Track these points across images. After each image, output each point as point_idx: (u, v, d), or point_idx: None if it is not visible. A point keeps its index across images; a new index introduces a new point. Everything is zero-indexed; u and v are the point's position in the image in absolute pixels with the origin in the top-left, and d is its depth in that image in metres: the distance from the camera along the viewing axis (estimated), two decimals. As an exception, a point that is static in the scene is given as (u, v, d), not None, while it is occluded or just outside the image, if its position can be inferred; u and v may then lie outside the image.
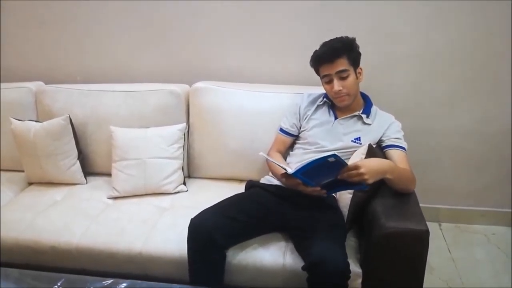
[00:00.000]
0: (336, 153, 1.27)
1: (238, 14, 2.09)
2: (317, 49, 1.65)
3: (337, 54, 1.58)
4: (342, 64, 1.59)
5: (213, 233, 1.43)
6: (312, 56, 1.65)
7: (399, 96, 2.11)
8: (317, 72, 1.67)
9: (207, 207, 1.55)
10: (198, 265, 1.47)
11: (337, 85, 1.60)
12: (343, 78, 1.60)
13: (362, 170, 1.32)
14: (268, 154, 1.83)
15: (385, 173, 1.41)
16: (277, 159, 1.74)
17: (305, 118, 1.78)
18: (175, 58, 2.22)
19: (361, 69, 1.66)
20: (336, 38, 1.63)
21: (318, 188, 1.44)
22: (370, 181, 1.34)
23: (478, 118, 2.14)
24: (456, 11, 1.96)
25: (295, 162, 1.69)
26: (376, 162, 1.42)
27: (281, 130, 1.84)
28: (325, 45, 1.64)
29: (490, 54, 2.02)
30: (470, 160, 2.22)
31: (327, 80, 1.64)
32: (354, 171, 1.33)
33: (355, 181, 1.34)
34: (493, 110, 2.11)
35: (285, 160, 1.81)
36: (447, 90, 2.11)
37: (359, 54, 1.64)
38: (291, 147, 1.84)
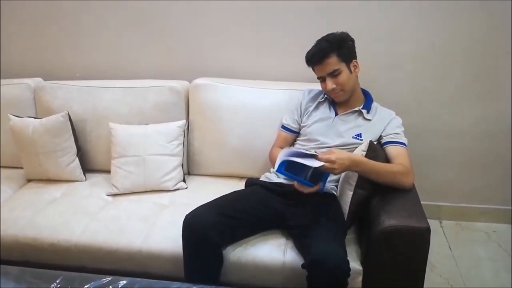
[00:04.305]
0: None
1: (238, 11, 2.08)
2: (309, 49, 1.64)
3: (325, 55, 1.58)
4: (332, 63, 1.58)
5: (208, 231, 1.42)
6: (305, 57, 1.65)
7: (400, 96, 2.10)
8: (313, 71, 1.67)
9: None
10: (192, 262, 1.45)
11: (330, 83, 1.61)
12: (335, 76, 1.60)
13: (333, 158, 1.39)
14: (270, 151, 1.83)
15: (350, 167, 1.44)
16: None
17: (306, 114, 1.77)
18: (175, 54, 2.21)
19: (356, 62, 1.64)
20: (324, 36, 1.62)
21: (316, 187, 1.49)
22: (337, 172, 1.42)
23: (479, 117, 2.13)
24: (457, 11, 1.95)
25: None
26: (346, 155, 1.44)
27: (283, 127, 1.83)
28: (315, 45, 1.63)
29: (491, 54, 2.02)
30: (471, 158, 2.22)
31: (321, 80, 1.65)
32: (328, 161, 1.39)
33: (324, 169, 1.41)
34: (493, 109, 2.11)
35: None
36: (448, 89, 2.10)
37: (352, 48, 1.63)
38: (293, 145, 1.82)
